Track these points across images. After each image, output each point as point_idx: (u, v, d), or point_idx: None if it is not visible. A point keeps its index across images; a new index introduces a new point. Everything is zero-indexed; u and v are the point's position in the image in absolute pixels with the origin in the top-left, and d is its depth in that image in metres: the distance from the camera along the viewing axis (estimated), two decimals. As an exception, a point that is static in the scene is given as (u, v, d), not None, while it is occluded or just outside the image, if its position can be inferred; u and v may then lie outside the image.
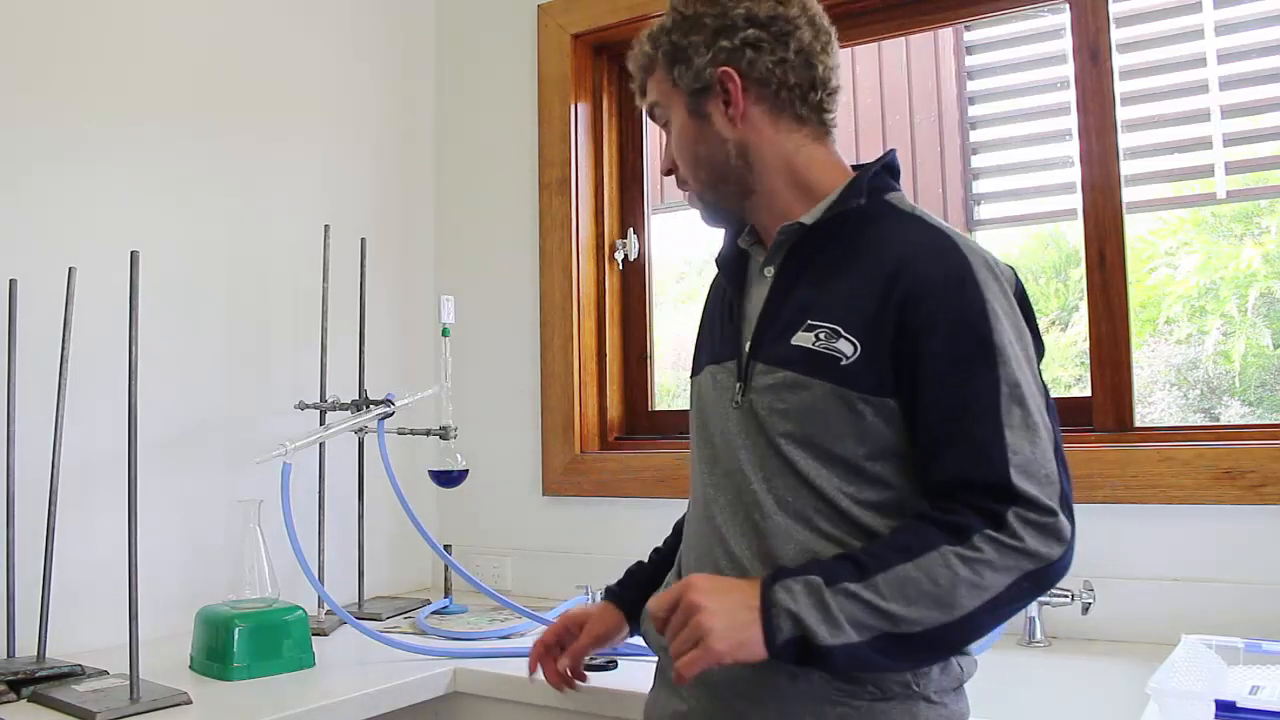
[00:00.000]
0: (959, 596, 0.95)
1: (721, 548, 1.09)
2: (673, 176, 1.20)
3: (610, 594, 1.30)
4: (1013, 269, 1.10)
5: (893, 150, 1.16)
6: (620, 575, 1.33)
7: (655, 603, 1.03)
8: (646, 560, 1.33)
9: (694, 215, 1.23)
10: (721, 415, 1.13)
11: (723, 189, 1.15)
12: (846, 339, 1.03)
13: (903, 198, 1.13)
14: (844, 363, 1.03)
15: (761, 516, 1.06)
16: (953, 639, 0.99)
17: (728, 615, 0.96)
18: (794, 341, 1.06)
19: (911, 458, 1.03)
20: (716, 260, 1.23)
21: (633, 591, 1.28)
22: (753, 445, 1.08)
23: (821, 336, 1.05)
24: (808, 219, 1.10)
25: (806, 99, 1.12)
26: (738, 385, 1.11)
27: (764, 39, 1.10)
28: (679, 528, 1.33)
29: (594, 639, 1.26)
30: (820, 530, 1.03)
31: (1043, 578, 0.98)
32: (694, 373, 1.24)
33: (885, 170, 1.14)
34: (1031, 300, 1.11)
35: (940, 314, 1.01)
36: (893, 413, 1.03)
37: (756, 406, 1.08)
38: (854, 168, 1.16)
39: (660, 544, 1.35)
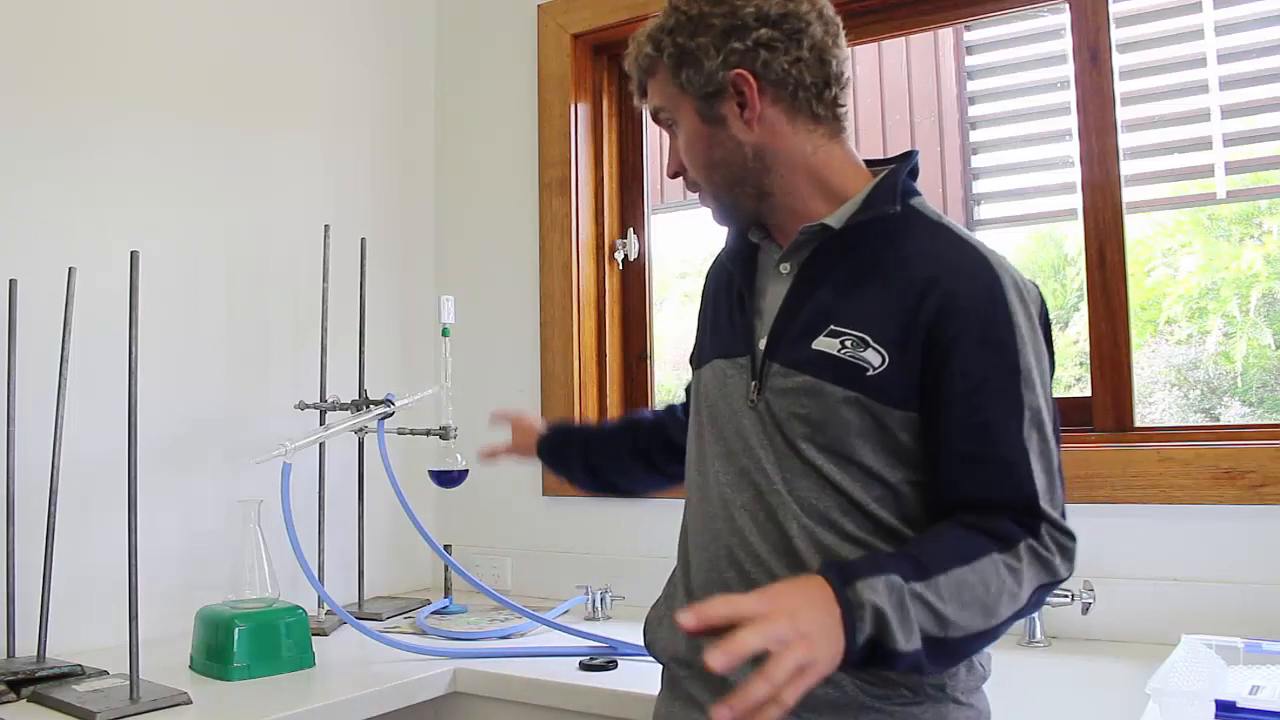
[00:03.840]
0: (1000, 605, 0.94)
1: (744, 549, 1.06)
2: (680, 179, 1.16)
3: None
4: (1038, 288, 1.07)
5: (915, 151, 1.13)
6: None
7: (721, 611, 0.83)
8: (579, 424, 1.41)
9: (694, 215, 1.22)
10: (735, 413, 1.10)
11: (739, 191, 1.11)
12: (875, 349, 1.01)
13: (926, 203, 1.10)
14: (870, 373, 1.01)
15: (786, 517, 1.04)
16: (976, 647, 0.98)
17: (824, 635, 0.84)
18: (815, 346, 1.04)
19: (927, 470, 1.02)
20: (723, 253, 1.20)
21: (555, 438, 1.50)
22: (771, 446, 1.06)
23: (848, 344, 1.02)
24: (833, 222, 1.07)
25: (822, 96, 1.08)
26: (753, 384, 1.08)
27: (777, 38, 1.05)
28: (630, 420, 1.43)
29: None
30: (845, 532, 1.02)
31: (1048, 592, 0.99)
32: (698, 363, 1.20)
33: (909, 173, 1.11)
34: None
35: (970, 333, 0.99)
36: (915, 426, 1.01)
37: (775, 409, 1.06)
38: (867, 163, 1.14)
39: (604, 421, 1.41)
